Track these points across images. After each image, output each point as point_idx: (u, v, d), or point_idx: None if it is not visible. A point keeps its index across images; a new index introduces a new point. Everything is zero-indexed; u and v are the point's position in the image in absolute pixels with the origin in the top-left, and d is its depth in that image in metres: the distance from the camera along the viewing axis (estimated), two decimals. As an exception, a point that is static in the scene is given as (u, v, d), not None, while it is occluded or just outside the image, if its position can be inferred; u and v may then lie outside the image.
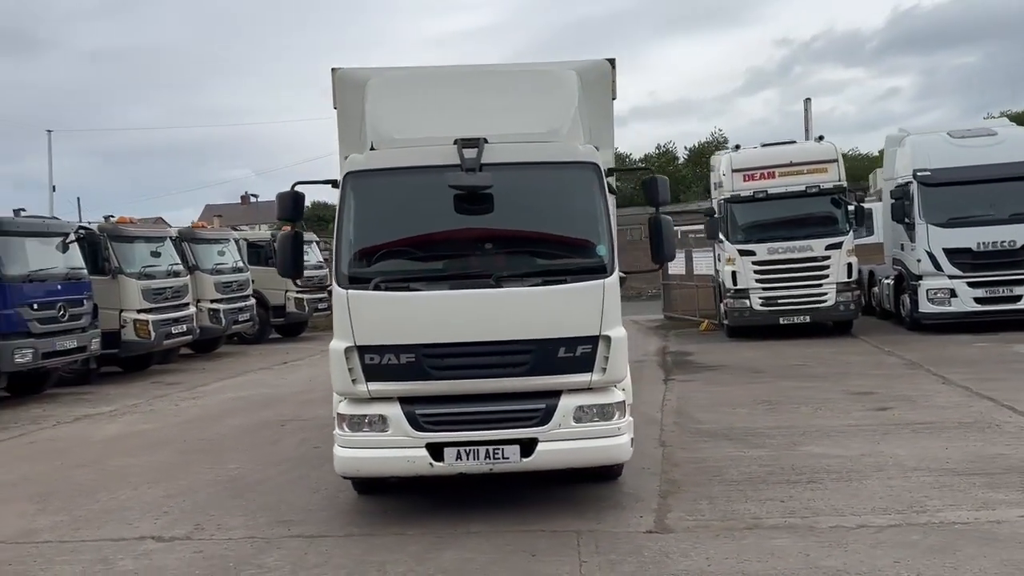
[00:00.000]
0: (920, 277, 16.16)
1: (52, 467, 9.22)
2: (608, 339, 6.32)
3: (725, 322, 17.96)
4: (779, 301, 16.89)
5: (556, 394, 6.36)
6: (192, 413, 12.42)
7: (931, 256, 15.87)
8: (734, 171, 17.21)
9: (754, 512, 6.37)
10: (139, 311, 16.10)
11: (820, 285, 16.77)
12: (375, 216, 6.61)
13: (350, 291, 6.33)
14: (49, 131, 37.55)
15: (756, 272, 16.92)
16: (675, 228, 7.26)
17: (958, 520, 5.93)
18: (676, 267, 22.74)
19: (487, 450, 6.27)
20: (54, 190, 36.89)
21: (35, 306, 13.48)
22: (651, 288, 28.38)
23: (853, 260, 16.79)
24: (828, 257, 16.68)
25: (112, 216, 18.01)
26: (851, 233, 16.81)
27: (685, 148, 61.61)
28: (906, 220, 16.40)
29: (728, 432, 9.04)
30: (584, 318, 6.29)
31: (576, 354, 6.30)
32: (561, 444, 6.33)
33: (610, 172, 6.86)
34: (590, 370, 6.33)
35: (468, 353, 6.27)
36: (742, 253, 17.00)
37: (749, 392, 11.38)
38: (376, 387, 6.30)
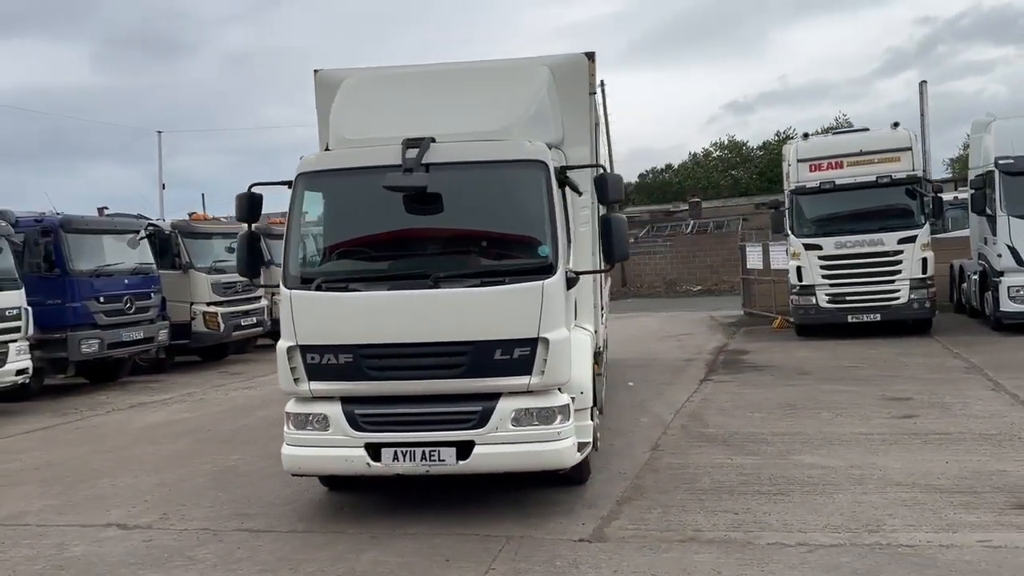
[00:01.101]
0: (1002, 273, 15.02)
1: (79, 452, 9.81)
2: (547, 341, 6.17)
3: (790, 320, 17.21)
4: (847, 298, 16.04)
5: (495, 396, 6.27)
6: (236, 403, 12.95)
7: (1012, 250, 14.71)
8: (799, 161, 16.42)
9: (700, 524, 6.10)
10: (208, 304, 16.87)
11: (892, 281, 15.81)
12: (322, 217, 6.69)
13: (293, 291, 6.44)
14: (159, 132, 40.01)
15: (823, 267, 16.12)
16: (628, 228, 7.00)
17: (908, 543, 5.49)
18: (754, 261, 22.01)
19: (423, 452, 6.25)
20: (164, 188, 39.18)
21: (101, 299, 14.35)
22: (733, 282, 27.57)
23: (929, 255, 15.74)
24: (900, 252, 15.69)
25: (194, 213, 18.96)
26: (927, 226, 15.77)
27: (776, 135, 58.89)
28: (987, 211, 15.26)
29: (730, 437, 8.68)
30: (522, 320, 6.18)
31: (514, 356, 6.19)
32: (498, 447, 6.24)
33: (563, 170, 6.68)
34: (529, 372, 6.21)
35: (405, 354, 6.27)
36: (808, 247, 16.22)
37: (779, 395, 10.88)
38: (317, 386, 6.39)
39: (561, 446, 6.31)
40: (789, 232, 16.55)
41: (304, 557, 5.84)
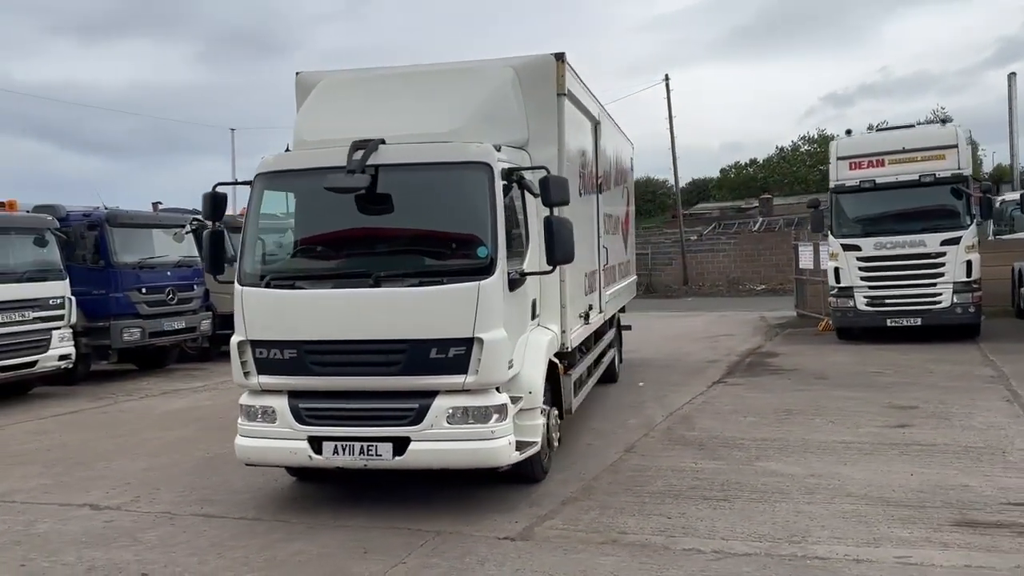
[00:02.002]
0: (1050, 278, 14.29)
1: (93, 436, 10.37)
2: (481, 341, 6.26)
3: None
4: (886, 301, 15.52)
5: (432, 394, 6.39)
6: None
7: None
8: (839, 159, 15.96)
9: (628, 527, 6.09)
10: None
11: (934, 285, 15.22)
12: (274, 216, 6.93)
13: (244, 288, 6.70)
14: (232, 129, 41.54)
15: (861, 269, 15.63)
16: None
17: (823, 555, 5.38)
18: (806, 261, 21.47)
19: (362, 446, 6.44)
20: (236, 183, 40.51)
21: (144, 290, 15.07)
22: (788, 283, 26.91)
23: (974, 257, 15.07)
24: (943, 254, 15.08)
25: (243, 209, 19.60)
26: (972, 227, 15.11)
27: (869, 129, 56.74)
28: (1037, 213, 14.55)
29: (708, 442, 8.58)
30: (457, 320, 6.28)
31: (449, 355, 6.31)
32: (433, 444, 6.37)
33: (511, 172, 6.74)
34: (464, 372, 6.31)
35: (345, 351, 6.46)
36: (846, 248, 15.75)
37: (783, 400, 10.66)
38: (265, 380, 6.65)
39: (495, 445, 6.39)
40: (828, 232, 16.11)
41: (237, 544, 6.09)
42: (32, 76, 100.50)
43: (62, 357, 13.52)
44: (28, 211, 14.11)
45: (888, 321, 15.53)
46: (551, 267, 6.80)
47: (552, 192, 6.65)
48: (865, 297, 15.66)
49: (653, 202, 72.36)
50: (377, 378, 6.43)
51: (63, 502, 7.38)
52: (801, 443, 8.33)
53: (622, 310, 14.60)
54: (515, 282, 6.62)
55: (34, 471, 8.59)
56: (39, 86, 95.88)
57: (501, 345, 6.39)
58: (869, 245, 15.53)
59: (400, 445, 6.38)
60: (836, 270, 15.91)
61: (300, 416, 6.55)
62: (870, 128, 16.78)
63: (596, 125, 10.44)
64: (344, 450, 6.46)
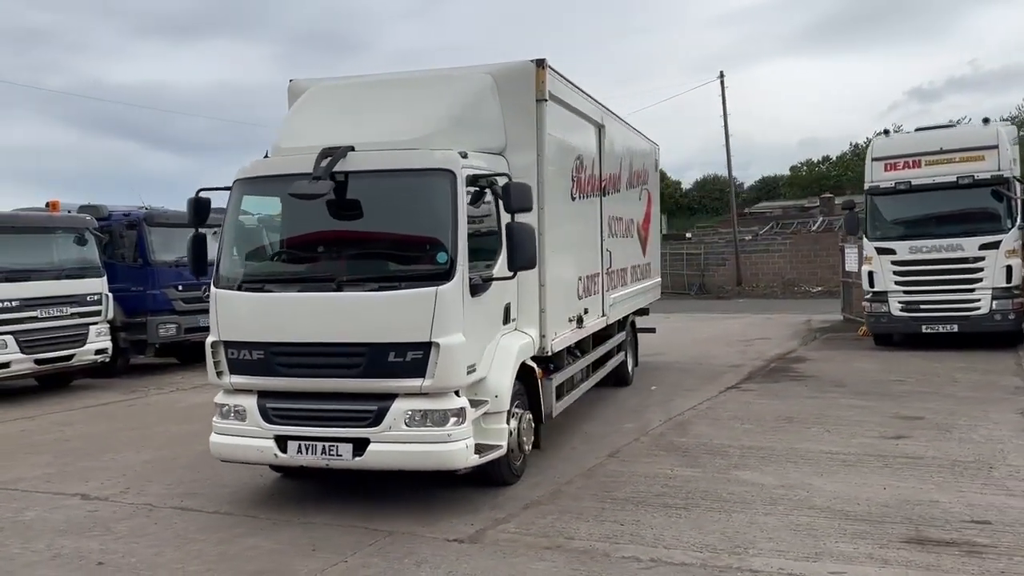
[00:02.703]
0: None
1: (112, 428, 10.84)
2: (437, 346, 6.37)
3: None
4: (921, 307, 15.07)
5: (391, 397, 6.53)
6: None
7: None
8: (874, 160, 15.55)
9: (578, 532, 6.13)
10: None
11: (972, 290, 14.72)
12: (250, 220, 7.16)
13: (217, 290, 6.96)
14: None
15: (896, 273, 15.21)
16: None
17: (759, 568, 5.33)
18: (852, 263, 20.93)
19: (324, 446, 6.61)
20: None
21: (180, 287, 15.62)
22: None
23: (1015, 262, 14.51)
24: (982, 258, 14.58)
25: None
26: (1013, 231, 14.55)
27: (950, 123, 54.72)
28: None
29: (693, 449, 8.52)
30: (414, 324, 6.40)
31: (406, 359, 6.43)
32: (392, 446, 6.50)
33: (478, 178, 6.82)
34: (422, 375, 6.43)
35: (309, 353, 6.64)
36: (880, 251, 15.35)
37: (788, 408, 10.48)
38: (236, 380, 6.89)
39: (452, 448, 6.48)
40: (863, 235, 15.72)
41: (199, 537, 6.34)
42: (122, 78, 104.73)
43: (98, 351, 14.13)
44: (70, 211, 14.77)
45: (923, 327, 15.08)
46: (512, 273, 6.85)
47: (513, 198, 6.71)
48: (900, 302, 15.23)
49: (720, 200, 71.47)
50: (338, 380, 6.60)
51: (58, 491, 7.76)
52: (786, 452, 8.21)
53: (643, 312, 14.57)
54: (478, 287, 6.70)
55: (44, 460, 9.03)
56: (128, 87, 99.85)
57: (458, 349, 6.48)
58: (904, 248, 15.10)
59: (360, 446, 6.53)
60: (870, 274, 15.52)
61: (267, 415, 6.76)
62: (886, 132, 16.15)
63: (600, 129, 10.43)
64: (307, 449, 6.65)
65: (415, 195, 6.79)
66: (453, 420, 6.51)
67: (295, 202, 6.94)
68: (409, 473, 6.97)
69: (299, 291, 6.79)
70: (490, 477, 7.24)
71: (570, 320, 8.98)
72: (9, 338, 12.76)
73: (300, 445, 6.67)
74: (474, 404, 6.85)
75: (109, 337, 14.41)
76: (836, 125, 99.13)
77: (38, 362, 13.20)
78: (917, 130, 15.94)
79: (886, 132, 16.12)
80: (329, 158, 6.61)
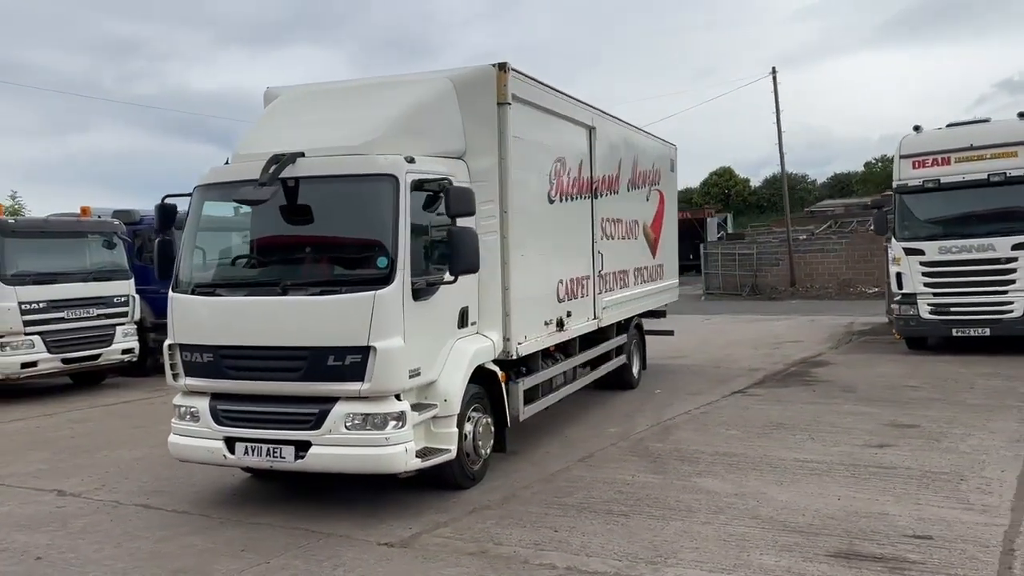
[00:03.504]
0: None
1: (120, 426, 11.22)
2: (375, 350, 6.42)
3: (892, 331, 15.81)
4: (951, 310, 14.48)
5: (332, 400, 6.60)
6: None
7: None
8: (902, 157, 14.99)
9: (509, 539, 6.10)
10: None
11: (1004, 292, 14.07)
12: (206, 226, 7.33)
13: (173, 294, 7.15)
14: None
15: (924, 275, 14.64)
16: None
17: (669, 579, 5.24)
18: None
19: (268, 448, 6.73)
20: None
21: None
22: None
23: (1050, 263, 13.84)
24: (1015, 259, 13.92)
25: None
26: (1047, 230, 13.87)
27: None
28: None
29: (666, 455, 8.38)
30: (353, 328, 6.46)
31: (345, 363, 6.50)
32: (332, 449, 6.58)
33: (421, 184, 6.83)
34: (361, 379, 6.49)
35: (254, 356, 6.77)
36: (908, 252, 14.79)
37: (787, 413, 10.21)
38: (190, 382, 7.07)
39: (390, 451, 6.52)
40: (892, 235, 15.19)
41: (144, 535, 6.52)
42: (204, 85, 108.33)
43: (125, 351, 14.64)
44: (101, 216, 15.33)
45: (954, 331, 14.49)
46: (453, 277, 6.85)
47: (452, 203, 6.72)
48: (929, 305, 14.66)
49: (790, 197, 69.94)
50: (281, 383, 6.71)
51: (39, 487, 8.08)
52: (758, 459, 8.01)
53: (659, 314, 14.41)
54: (421, 291, 6.72)
55: (42, 456, 9.41)
56: (211, 93, 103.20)
57: (397, 353, 6.51)
58: (933, 249, 14.53)
59: (302, 448, 6.62)
60: (898, 275, 14.98)
61: (218, 417, 6.92)
62: (917, 128, 15.53)
63: (591, 131, 10.35)
64: (253, 451, 6.78)
65: (359, 200, 6.86)
66: (393, 424, 6.54)
67: (248, 208, 7.12)
68: (360, 476, 7.03)
69: (247, 295, 6.93)
70: (444, 481, 7.27)
71: (547, 323, 8.93)
72: (36, 338, 13.32)
73: (247, 447, 6.80)
74: (422, 408, 6.90)
75: (136, 337, 14.91)
76: (920, 120, 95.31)
77: (65, 361, 13.74)
78: (949, 126, 15.31)
79: (917, 128, 15.51)
80: (276, 164, 6.73)
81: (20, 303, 13.19)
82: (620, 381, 12.13)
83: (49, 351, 13.46)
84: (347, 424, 6.55)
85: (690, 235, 50.06)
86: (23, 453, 9.67)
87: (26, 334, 13.25)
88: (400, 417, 6.58)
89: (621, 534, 6.09)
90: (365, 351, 6.45)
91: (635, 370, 12.57)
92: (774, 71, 34.42)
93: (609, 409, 10.88)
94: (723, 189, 72.39)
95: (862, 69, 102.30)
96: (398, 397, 6.63)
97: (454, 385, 7.10)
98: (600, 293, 10.58)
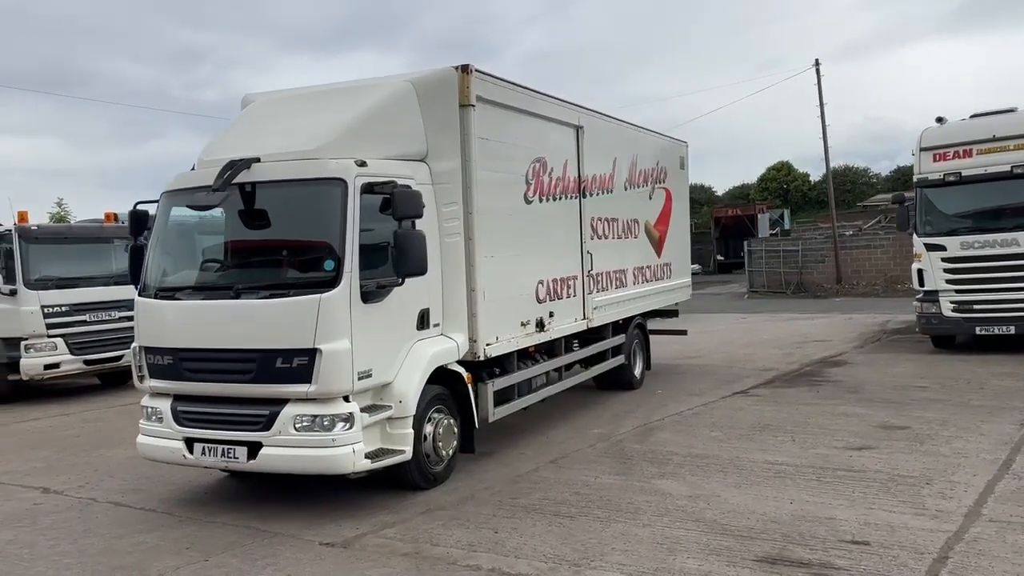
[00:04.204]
0: None
1: (126, 424, 11.35)
2: (320, 352, 6.50)
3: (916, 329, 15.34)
4: (974, 307, 13.99)
5: (283, 402, 6.71)
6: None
7: None
8: (922, 150, 14.53)
9: (448, 540, 6.12)
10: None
11: (1030, 289, 13.56)
12: (169, 231, 7.51)
13: (138, 298, 7.36)
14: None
15: (946, 271, 14.19)
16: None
17: (586, 582, 5.20)
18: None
19: (223, 448, 6.88)
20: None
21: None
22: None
23: (1077, 258, 13.27)
24: (1040, 254, 13.41)
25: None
26: (1074, 224, 13.30)
27: None
28: None
29: (637, 456, 8.30)
30: (299, 331, 6.57)
31: (293, 365, 6.61)
32: (282, 450, 6.69)
33: (371, 187, 6.88)
34: (308, 381, 6.58)
35: (208, 358, 6.93)
36: (929, 248, 14.35)
37: (779, 414, 10.01)
38: (153, 383, 7.27)
39: (337, 453, 6.60)
40: (913, 231, 14.75)
41: (105, 532, 6.74)
42: (266, 90, 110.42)
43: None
44: (124, 223, 15.79)
45: (977, 329, 14.00)
46: (400, 280, 6.89)
47: (398, 207, 6.76)
48: (951, 302, 14.20)
49: (852, 192, 68.25)
50: (233, 385, 6.84)
51: (27, 484, 8.40)
52: (728, 461, 7.88)
53: (672, 314, 14.28)
54: (371, 294, 6.78)
55: (42, 455, 9.76)
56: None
57: (343, 356, 6.59)
58: (955, 244, 14.07)
59: (254, 449, 6.75)
60: (919, 272, 14.55)
61: (178, 418, 7.10)
62: (940, 119, 15.02)
63: (578, 130, 10.30)
64: (209, 451, 6.93)
65: (309, 204, 6.96)
66: (341, 425, 6.62)
67: (207, 213, 7.29)
68: (328, 476, 7.09)
69: (204, 299, 7.09)
70: (404, 481, 7.33)
71: (524, 324, 8.92)
72: (59, 340, 13.82)
73: (204, 447, 6.96)
74: (376, 409, 6.97)
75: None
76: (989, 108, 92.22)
77: (87, 363, 14.22)
78: (972, 116, 14.79)
79: (940, 120, 15.02)
80: (231, 170, 6.87)
81: (43, 307, 13.70)
82: (620, 381, 12.03)
83: (71, 353, 13.95)
84: (296, 425, 6.65)
85: (741, 232, 49.54)
86: (26, 451, 10.05)
87: (49, 336, 13.75)
88: (348, 419, 6.65)
89: (559, 536, 6.07)
90: (312, 353, 6.54)
91: (637, 371, 12.45)
92: (817, 63, 33.66)
93: (601, 410, 10.81)
94: (781, 184, 71.15)
95: (931, 57, 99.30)
96: (347, 399, 6.70)
97: (410, 387, 7.15)
98: (591, 293, 10.52)
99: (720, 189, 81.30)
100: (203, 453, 6.97)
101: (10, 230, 13.79)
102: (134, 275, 7.83)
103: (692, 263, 54.57)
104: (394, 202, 6.77)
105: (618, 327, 11.71)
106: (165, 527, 6.80)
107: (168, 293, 7.24)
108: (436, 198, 7.75)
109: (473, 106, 7.89)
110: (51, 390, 14.61)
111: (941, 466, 7.38)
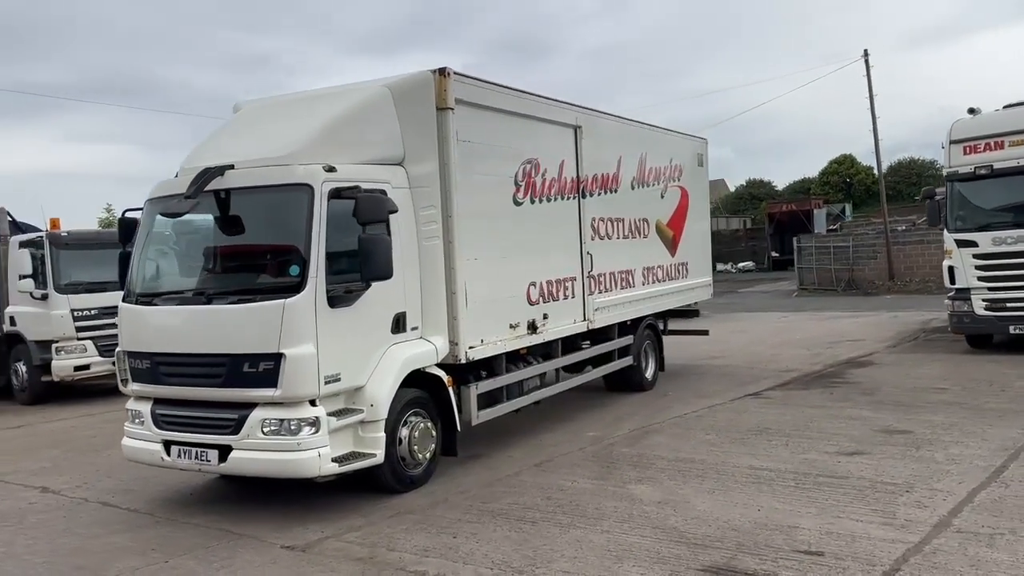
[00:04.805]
0: None
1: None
2: (284, 356, 6.57)
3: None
4: (1008, 305, 13.43)
5: (252, 406, 6.80)
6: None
7: None
8: (952, 142, 13.99)
9: (406, 545, 6.13)
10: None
11: (1065, 286, 12.97)
12: (151, 238, 7.67)
13: (121, 304, 7.54)
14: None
15: (978, 268, 13.65)
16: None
17: (523, 590, 5.15)
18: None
19: (196, 451, 7.01)
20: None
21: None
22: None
23: (1116, 253, 12.65)
24: (1075, 250, 12.81)
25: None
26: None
27: None
28: None
29: (623, 460, 8.18)
30: (265, 335, 6.65)
31: (259, 369, 6.69)
32: (251, 453, 6.79)
33: (339, 192, 6.91)
34: (274, 385, 6.66)
35: (181, 363, 7.07)
36: (960, 244, 13.82)
37: (782, 417, 9.77)
38: (135, 387, 7.45)
39: (302, 457, 6.66)
40: (944, 226, 14.24)
41: (83, 531, 6.94)
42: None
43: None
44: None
45: (1012, 328, 13.44)
46: (365, 284, 6.92)
47: (359, 211, 6.78)
48: (983, 300, 13.66)
49: (917, 185, 66.21)
50: (204, 389, 6.96)
51: (29, 484, 8.68)
52: (711, 466, 7.73)
53: (693, 314, 14.10)
54: (339, 298, 6.83)
55: (53, 455, 10.08)
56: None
57: (307, 360, 6.64)
58: (986, 240, 13.53)
59: (224, 452, 6.86)
60: (950, 269, 14.03)
61: (157, 421, 7.25)
62: (972, 111, 14.43)
63: (576, 130, 10.21)
64: (184, 454, 7.07)
65: (277, 209, 7.04)
66: (308, 430, 6.68)
67: (188, 219, 7.42)
68: (296, 479, 7.17)
69: (178, 304, 7.23)
70: (379, 485, 7.36)
71: (513, 326, 8.87)
72: (89, 343, 14.26)
73: (180, 450, 7.10)
74: (346, 413, 7.02)
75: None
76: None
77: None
78: (1005, 107, 14.21)
79: (972, 111, 14.45)
80: (203, 178, 6.99)
81: (73, 310, 14.16)
82: (630, 383, 11.89)
83: (101, 355, 14.34)
84: (263, 429, 6.73)
85: (796, 228, 48.44)
86: (42, 450, 10.39)
87: (79, 339, 14.20)
88: (314, 423, 6.70)
89: (515, 541, 6.03)
90: (277, 358, 6.61)
91: (648, 372, 12.29)
92: (866, 54, 32.72)
93: (604, 412, 10.70)
94: (843, 178, 69.51)
95: (1009, 44, 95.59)
96: (313, 403, 6.75)
97: (381, 391, 7.17)
98: (592, 294, 10.42)
99: (780, 183, 79.92)
100: (179, 456, 7.10)
101: (42, 236, 14.29)
102: (122, 281, 8.03)
103: (745, 260, 53.16)
104: (356, 207, 6.79)
105: (626, 328, 11.57)
106: (141, 527, 6.95)
107: (147, 299, 7.40)
108: (414, 202, 7.77)
109: (451, 109, 7.87)
110: (83, 391, 15.06)
111: (928, 473, 7.11)
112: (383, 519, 6.80)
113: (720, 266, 55.63)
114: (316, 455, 6.69)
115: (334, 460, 6.80)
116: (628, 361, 11.62)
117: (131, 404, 7.61)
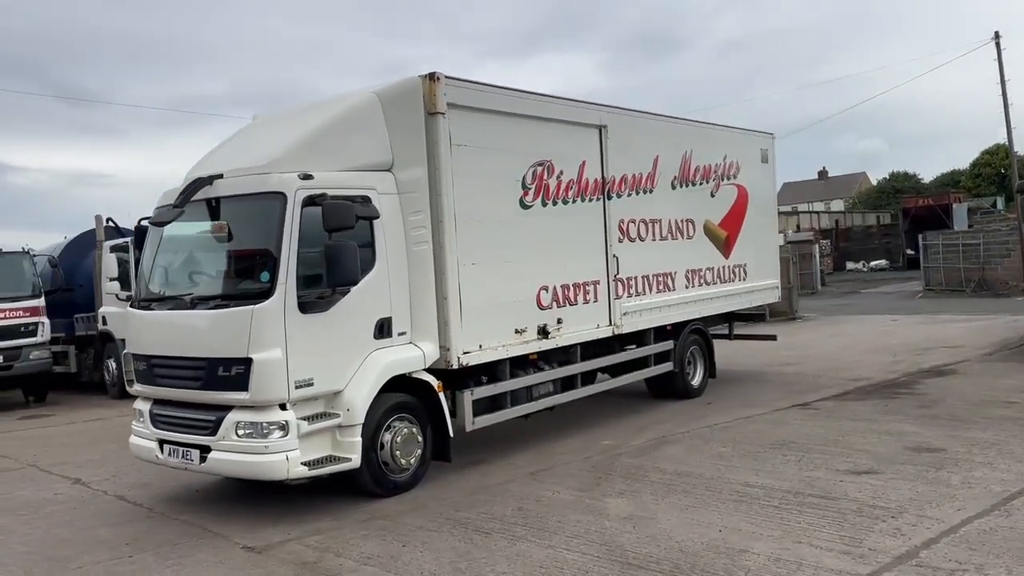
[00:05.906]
0: None
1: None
2: (252, 361, 6.73)
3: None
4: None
5: (228, 408, 7.01)
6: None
7: None
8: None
9: (352, 552, 6.14)
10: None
11: None
12: (153, 245, 8.02)
13: (128, 308, 7.94)
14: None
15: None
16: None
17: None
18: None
19: (182, 451, 7.30)
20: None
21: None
22: None
23: None
24: None
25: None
26: None
27: None
28: None
29: (621, 472, 7.92)
30: (236, 340, 6.84)
31: (232, 373, 6.89)
32: (226, 455, 7.00)
33: (311, 200, 7.00)
34: (245, 389, 6.84)
35: (168, 365, 7.38)
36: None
37: (814, 431, 9.19)
38: (137, 387, 7.82)
39: (270, 459, 6.81)
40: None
41: (82, 524, 7.36)
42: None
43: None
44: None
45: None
46: (332, 291, 6.99)
47: (326, 218, 6.85)
48: (1082, 304, 12.40)
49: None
50: (188, 391, 7.23)
51: (67, 475, 9.29)
52: (707, 482, 7.36)
53: (759, 317, 13.58)
54: (311, 304, 6.93)
55: (109, 449, 10.62)
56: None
57: (275, 365, 6.77)
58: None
59: (204, 452, 7.10)
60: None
61: (154, 420, 7.59)
62: None
63: (601, 129, 9.97)
64: (173, 453, 7.37)
65: (253, 217, 7.23)
66: (278, 433, 6.82)
67: (181, 227, 7.74)
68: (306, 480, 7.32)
69: (169, 309, 7.54)
70: (360, 488, 7.44)
71: (519, 331, 8.73)
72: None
73: (170, 448, 7.41)
74: (321, 417, 7.12)
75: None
76: None
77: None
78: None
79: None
80: (191, 188, 7.26)
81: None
82: (674, 390, 11.52)
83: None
84: (238, 431, 6.92)
85: (934, 224, 45.48)
86: (100, 444, 11.07)
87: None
88: (284, 427, 6.84)
89: (458, 553, 5.95)
90: (247, 362, 6.78)
91: (696, 379, 11.85)
92: (997, 35, 30.33)
93: (635, 419, 10.41)
94: (997, 170, 64.91)
95: None
96: (283, 407, 6.88)
97: (359, 395, 7.23)
98: (618, 298, 10.13)
99: (928, 176, 75.54)
100: (169, 454, 7.41)
101: (127, 241, 15.22)
102: (121, 283, 8.47)
103: (878, 258, 50.22)
104: (323, 214, 6.86)
105: (666, 332, 11.19)
106: (131, 522, 7.30)
107: (146, 304, 7.76)
108: (402, 207, 7.80)
109: (442, 113, 7.84)
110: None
111: (931, 497, 6.51)
112: (353, 524, 6.86)
113: (851, 265, 53.14)
114: (284, 458, 6.81)
115: (305, 463, 6.91)
116: (668, 367, 11.23)
117: (137, 404, 7.99)
